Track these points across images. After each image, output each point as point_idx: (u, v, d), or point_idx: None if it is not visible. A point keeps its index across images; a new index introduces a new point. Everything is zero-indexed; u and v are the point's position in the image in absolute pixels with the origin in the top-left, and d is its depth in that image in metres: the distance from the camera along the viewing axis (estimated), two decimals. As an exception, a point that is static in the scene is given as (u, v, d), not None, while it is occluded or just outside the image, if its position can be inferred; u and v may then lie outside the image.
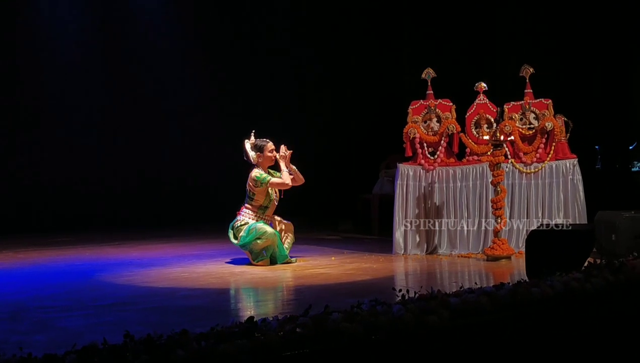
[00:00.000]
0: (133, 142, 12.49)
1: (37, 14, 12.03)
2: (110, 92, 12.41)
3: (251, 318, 3.53)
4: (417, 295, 4.07)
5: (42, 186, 11.89)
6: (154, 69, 12.66)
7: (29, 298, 5.89)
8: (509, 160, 8.18)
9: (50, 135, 11.97)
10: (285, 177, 7.59)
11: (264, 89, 13.04)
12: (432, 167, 8.40)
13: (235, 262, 7.76)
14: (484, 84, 8.41)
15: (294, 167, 7.75)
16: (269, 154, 7.68)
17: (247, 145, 7.70)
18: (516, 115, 8.36)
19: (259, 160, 7.67)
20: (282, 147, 7.70)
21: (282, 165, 7.62)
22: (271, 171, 7.77)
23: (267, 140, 7.73)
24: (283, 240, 7.62)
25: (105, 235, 10.59)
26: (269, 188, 7.61)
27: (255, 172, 7.60)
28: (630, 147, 11.27)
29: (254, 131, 7.77)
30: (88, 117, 12.28)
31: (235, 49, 13.09)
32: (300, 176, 7.78)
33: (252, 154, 7.67)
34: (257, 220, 7.56)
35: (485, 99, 8.43)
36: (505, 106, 8.39)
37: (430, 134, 8.49)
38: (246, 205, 7.65)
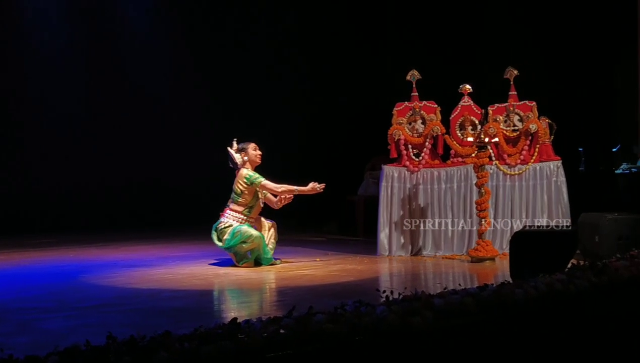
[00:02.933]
0: (117, 144, 12.45)
1: (22, 17, 11.97)
2: (92, 94, 12.36)
3: (235, 319, 3.52)
4: (401, 296, 4.07)
5: (25, 188, 11.82)
6: (138, 71, 12.61)
7: (11, 299, 5.85)
8: (493, 162, 8.21)
9: (32, 137, 11.91)
10: (285, 188, 7.55)
11: (250, 90, 13.03)
12: (416, 169, 8.41)
13: (219, 263, 7.74)
14: (468, 86, 8.44)
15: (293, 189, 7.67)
16: (253, 152, 7.68)
17: (231, 150, 7.69)
18: (500, 117, 8.40)
19: (244, 158, 7.66)
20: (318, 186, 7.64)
21: (298, 188, 7.56)
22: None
23: (250, 142, 7.74)
24: (267, 240, 7.61)
25: (88, 237, 10.54)
26: (257, 189, 7.59)
27: (246, 172, 7.58)
28: (614, 149, 11.31)
29: (235, 139, 7.76)
30: (70, 119, 12.21)
31: (221, 51, 13.08)
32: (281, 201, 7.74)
33: (237, 156, 7.66)
34: (241, 222, 7.54)
35: (469, 100, 8.46)
36: (489, 108, 8.41)
37: (415, 135, 8.51)
38: (231, 206, 7.62)
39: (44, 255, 8.85)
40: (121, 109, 12.45)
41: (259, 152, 7.76)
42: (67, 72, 12.19)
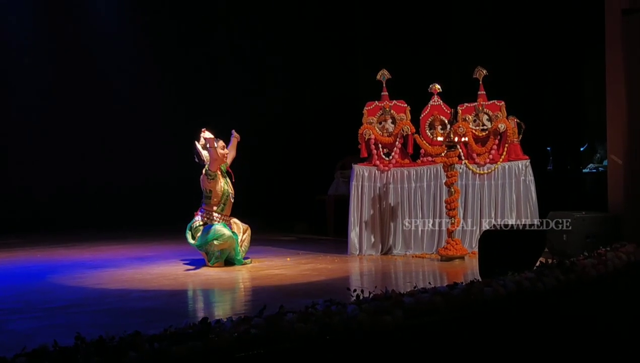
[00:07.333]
0: (85, 144, 12.34)
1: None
2: (60, 93, 12.23)
3: (205, 319, 3.51)
4: (371, 295, 4.08)
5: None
6: (106, 70, 12.50)
7: (-23, 301, 5.78)
8: (463, 161, 8.25)
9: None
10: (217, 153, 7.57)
11: (219, 89, 12.98)
12: (387, 168, 8.43)
13: (189, 263, 7.70)
14: (438, 86, 8.48)
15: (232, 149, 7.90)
16: (221, 151, 7.65)
17: (198, 145, 7.65)
18: (470, 117, 8.45)
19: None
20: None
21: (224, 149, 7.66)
22: (222, 168, 7.72)
23: (219, 140, 7.70)
24: (240, 242, 7.58)
25: (56, 237, 10.43)
26: (222, 182, 7.56)
27: (205, 169, 7.56)
28: (581, 149, 11.44)
29: (204, 129, 7.71)
30: (37, 118, 12.07)
31: (191, 50, 13.03)
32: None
33: (204, 153, 7.62)
34: (216, 221, 7.51)
35: (439, 100, 8.50)
36: (459, 108, 8.46)
37: (385, 135, 8.53)
38: (204, 206, 7.60)
39: (9, 256, 8.73)
40: (90, 110, 12.31)
41: (226, 151, 7.73)
42: (36, 75, 12.06)
